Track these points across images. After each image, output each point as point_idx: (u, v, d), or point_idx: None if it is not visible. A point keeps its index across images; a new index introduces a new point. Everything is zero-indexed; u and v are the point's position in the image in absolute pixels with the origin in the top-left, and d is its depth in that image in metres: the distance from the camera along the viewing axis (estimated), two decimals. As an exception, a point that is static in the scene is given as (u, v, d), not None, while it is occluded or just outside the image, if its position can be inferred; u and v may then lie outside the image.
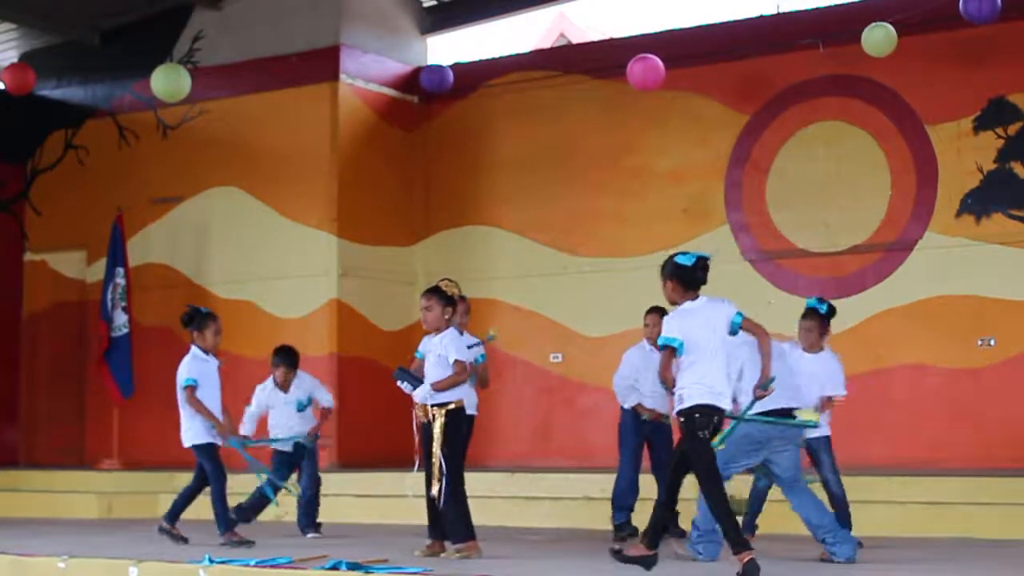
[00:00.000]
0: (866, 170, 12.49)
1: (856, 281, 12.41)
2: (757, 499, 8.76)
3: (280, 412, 10.13)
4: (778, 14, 13.52)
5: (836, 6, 12.83)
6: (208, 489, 9.43)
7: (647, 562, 7.18)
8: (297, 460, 10.19)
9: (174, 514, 9.41)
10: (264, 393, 10.18)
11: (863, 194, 12.49)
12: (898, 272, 12.26)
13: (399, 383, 8.36)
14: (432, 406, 8.16)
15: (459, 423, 8.28)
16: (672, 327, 7.17)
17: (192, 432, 9.31)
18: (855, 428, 12.26)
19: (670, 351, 7.12)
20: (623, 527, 9.68)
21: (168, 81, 11.22)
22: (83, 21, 14.90)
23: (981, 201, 12.00)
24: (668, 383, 7.25)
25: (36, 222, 15.66)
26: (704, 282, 7.27)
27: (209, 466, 9.27)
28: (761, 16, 13.44)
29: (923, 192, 12.23)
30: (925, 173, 12.23)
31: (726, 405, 7.17)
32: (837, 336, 12.16)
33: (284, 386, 10.17)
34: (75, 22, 14.89)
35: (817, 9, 13.06)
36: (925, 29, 11.76)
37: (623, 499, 9.75)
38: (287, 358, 10.21)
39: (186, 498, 9.44)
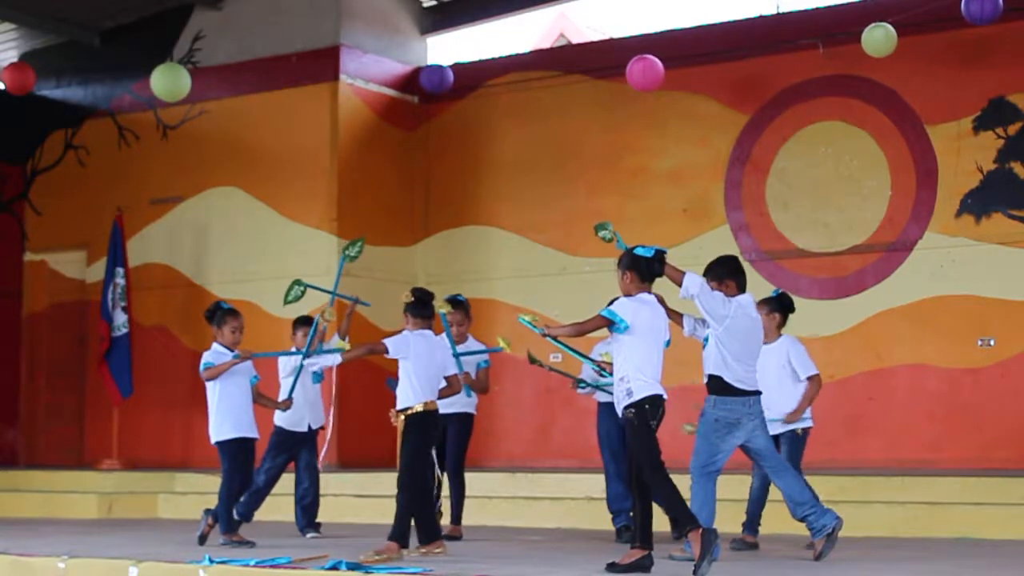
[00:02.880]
0: (866, 170, 12.48)
1: (856, 281, 12.41)
2: (756, 499, 8.76)
3: (299, 381, 10.03)
4: (778, 14, 13.51)
5: (836, 6, 12.83)
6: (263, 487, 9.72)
7: (643, 564, 7.20)
8: (298, 448, 10.11)
9: (241, 516, 9.47)
10: (289, 359, 10.09)
11: (863, 194, 12.49)
12: (898, 272, 12.25)
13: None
14: (397, 411, 8.30)
15: (423, 426, 8.34)
16: (624, 307, 7.35)
17: (215, 427, 9.30)
18: (855, 428, 12.29)
19: (605, 322, 7.35)
20: (625, 531, 9.57)
21: (168, 81, 11.22)
22: (83, 21, 14.90)
23: (981, 201, 11.99)
24: (574, 335, 7.61)
25: (36, 222, 15.66)
26: (660, 274, 7.49)
27: (226, 465, 9.26)
28: (761, 16, 13.43)
29: (923, 192, 12.23)
30: (925, 173, 12.23)
31: (665, 395, 7.38)
32: (837, 336, 12.30)
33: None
34: (75, 22, 14.89)
35: (817, 9, 13.05)
36: (925, 29, 11.77)
37: (617, 503, 9.58)
38: (307, 321, 10.22)
39: (244, 496, 9.50)
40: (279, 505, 10.93)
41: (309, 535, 10.02)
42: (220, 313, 9.47)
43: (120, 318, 13.96)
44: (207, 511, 9.30)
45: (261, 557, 7.88)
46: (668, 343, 7.55)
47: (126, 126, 15.04)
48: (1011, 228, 11.85)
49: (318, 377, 10.13)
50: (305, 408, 10.05)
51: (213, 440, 9.31)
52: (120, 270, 14.05)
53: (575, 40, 18.19)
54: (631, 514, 9.60)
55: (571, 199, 13.73)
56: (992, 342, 11.83)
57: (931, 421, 12.01)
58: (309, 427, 10.13)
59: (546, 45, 18.22)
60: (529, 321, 7.95)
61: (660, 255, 7.44)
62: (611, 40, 14.66)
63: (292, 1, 14.09)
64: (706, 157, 13.18)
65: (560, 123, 13.88)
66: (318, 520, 10.22)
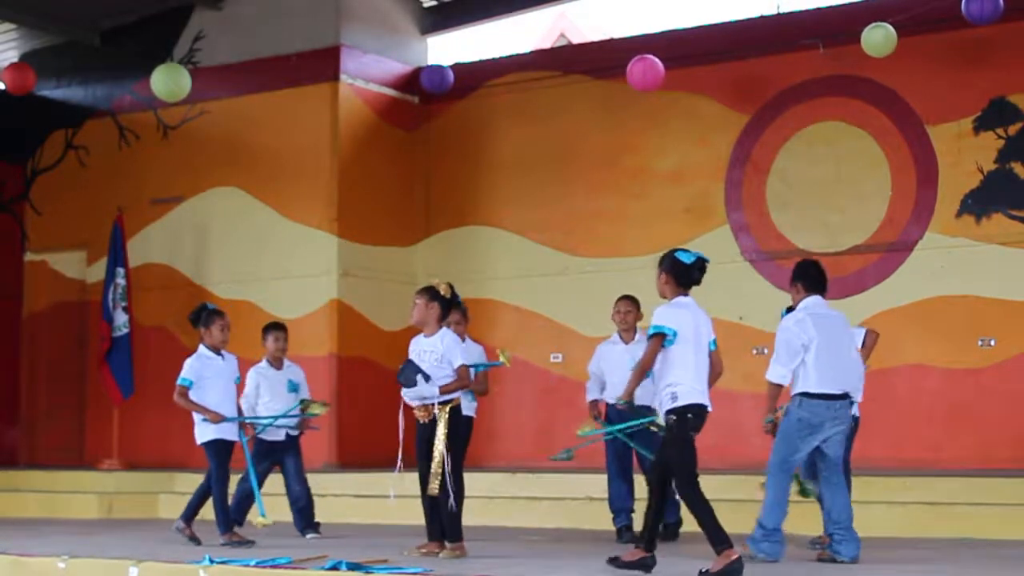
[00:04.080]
0: (866, 170, 12.49)
1: (856, 281, 12.40)
2: None
3: (273, 392, 10.06)
4: (778, 14, 13.51)
5: (836, 6, 12.83)
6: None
7: (645, 564, 7.17)
8: (280, 454, 10.10)
9: (190, 513, 9.44)
10: (257, 373, 10.09)
11: (863, 194, 12.49)
12: (898, 272, 12.25)
13: (407, 386, 8.25)
14: (436, 404, 8.16)
15: (460, 421, 8.33)
16: (667, 316, 7.18)
17: (199, 429, 9.33)
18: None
19: (660, 338, 7.13)
20: (625, 531, 9.60)
21: (168, 81, 11.23)
22: (83, 21, 14.89)
23: (981, 201, 11.99)
24: (642, 374, 7.23)
25: (36, 222, 15.66)
26: (698, 283, 7.35)
27: (213, 464, 9.28)
28: (761, 16, 13.43)
29: (923, 192, 12.23)
30: (925, 173, 12.23)
31: (709, 404, 7.21)
32: (837, 336, 12.26)
33: (277, 361, 10.14)
34: (75, 22, 14.88)
35: (817, 9, 13.06)
36: (925, 29, 11.77)
37: (617, 503, 9.68)
38: (279, 326, 10.28)
39: (201, 496, 9.47)
40: (279, 505, 10.93)
41: (309, 536, 10.02)
42: (206, 314, 9.50)
43: (121, 318, 13.96)
44: (179, 520, 9.35)
45: (261, 557, 7.88)
46: (714, 344, 7.35)
47: (126, 126, 15.04)
48: (1011, 228, 11.85)
49: (293, 385, 10.15)
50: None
51: (198, 441, 9.34)
52: (120, 270, 14.05)
53: (575, 40, 18.19)
54: (631, 514, 9.65)
55: (571, 199, 13.73)
56: (992, 342, 11.83)
57: (931, 421, 12.01)
58: (287, 435, 10.09)
59: (546, 45, 18.22)
60: (591, 430, 7.71)
61: (701, 263, 7.29)
62: (611, 40, 14.65)
63: (292, 1, 14.09)
64: (706, 157, 13.18)
65: (560, 123, 13.88)
66: (317, 520, 10.21)
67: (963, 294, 11.98)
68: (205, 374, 9.31)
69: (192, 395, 9.29)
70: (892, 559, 8.12)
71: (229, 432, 9.34)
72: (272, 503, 10.49)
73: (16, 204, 15.75)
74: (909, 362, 12.11)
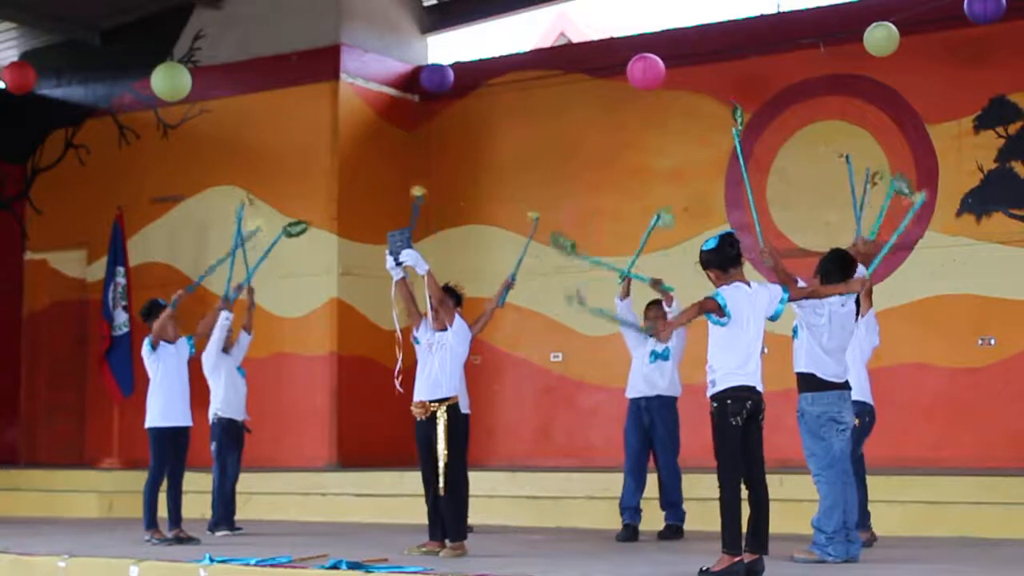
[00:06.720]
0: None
1: (856, 280, 12.37)
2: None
3: (229, 376, 10.30)
4: (778, 14, 13.50)
5: (836, 6, 12.83)
6: (212, 485, 9.73)
7: (735, 570, 6.87)
8: (241, 439, 10.35)
9: (175, 518, 9.46)
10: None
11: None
12: (899, 271, 12.24)
13: (392, 252, 8.38)
14: (432, 402, 8.21)
15: (459, 419, 8.35)
16: (730, 296, 7.02)
17: (149, 413, 9.46)
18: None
19: (716, 306, 6.95)
20: (625, 529, 9.60)
21: (168, 80, 11.22)
22: (83, 20, 14.90)
23: (981, 200, 11.99)
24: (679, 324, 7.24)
25: (36, 221, 15.66)
26: (738, 258, 7.20)
27: (152, 453, 9.40)
28: (761, 16, 13.43)
29: (923, 191, 12.20)
30: (925, 172, 12.22)
31: (760, 387, 7.05)
32: (837, 336, 12.25)
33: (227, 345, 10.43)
34: (75, 21, 14.89)
35: (817, 9, 13.05)
36: (926, 29, 11.77)
37: (624, 501, 9.68)
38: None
39: (173, 496, 9.51)
40: (279, 504, 10.93)
41: (220, 533, 10.04)
42: (157, 309, 9.66)
43: (121, 317, 13.97)
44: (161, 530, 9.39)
45: (261, 556, 7.88)
46: (779, 314, 7.27)
47: (127, 125, 15.04)
48: (1012, 227, 11.85)
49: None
50: (240, 401, 10.30)
51: (145, 425, 9.41)
52: (121, 269, 14.06)
53: (575, 39, 18.18)
54: (638, 512, 9.65)
55: (571, 199, 13.72)
56: (992, 341, 11.83)
57: (931, 421, 12.01)
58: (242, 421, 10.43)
59: (546, 45, 18.21)
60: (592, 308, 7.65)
61: (728, 238, 7.17)
62: (611, 39, 14.64)
63: (292, 1, 14.09)
64: (706, 156, 13.17)
65: (560, 122, 13.87)
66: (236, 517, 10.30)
67: (963, 293, 11.97)
68: (164, 358, 9.50)
69: (154, 382, 9.47)
70: (892, 559, 8.11)
71: (182, 418, 9.44)
72: (276, 501, 10.52)
73: (16, 203, 15.75)
74: (909, 361, 12.10)
